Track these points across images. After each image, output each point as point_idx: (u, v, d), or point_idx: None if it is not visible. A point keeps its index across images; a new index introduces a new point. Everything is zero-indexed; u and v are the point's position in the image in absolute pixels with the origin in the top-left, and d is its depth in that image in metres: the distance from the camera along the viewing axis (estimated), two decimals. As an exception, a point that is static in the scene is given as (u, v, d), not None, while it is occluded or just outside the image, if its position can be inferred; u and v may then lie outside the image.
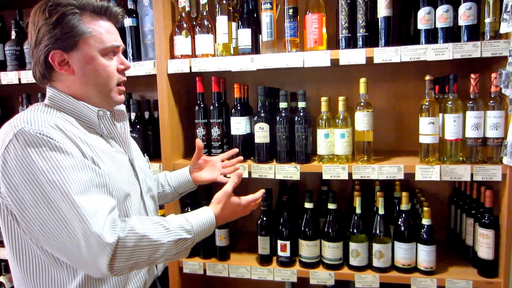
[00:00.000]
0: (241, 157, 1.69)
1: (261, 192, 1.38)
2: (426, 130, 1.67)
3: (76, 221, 0.96)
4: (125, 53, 2.00)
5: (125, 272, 1.03)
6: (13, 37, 2.20)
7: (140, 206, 1.25)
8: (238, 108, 1.89)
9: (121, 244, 0.99)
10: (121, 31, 1.77)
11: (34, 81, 1.97)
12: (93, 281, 1.10)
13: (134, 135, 2.07)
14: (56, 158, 0.98)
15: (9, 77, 2.12)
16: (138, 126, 2.11)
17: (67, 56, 1.09)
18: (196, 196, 2.00)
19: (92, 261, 0.97)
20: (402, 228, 1.73)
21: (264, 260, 1.92)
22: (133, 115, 2.14)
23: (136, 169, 1.28)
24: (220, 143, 1.93)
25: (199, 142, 1.56)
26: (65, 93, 1.12)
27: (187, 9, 1.96)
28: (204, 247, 1.99)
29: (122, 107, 1.31)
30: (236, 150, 1.70)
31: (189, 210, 1.93)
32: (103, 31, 1.13)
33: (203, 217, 1.19)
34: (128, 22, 2.00)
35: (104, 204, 1.02)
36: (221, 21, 1.86)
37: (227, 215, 1.27)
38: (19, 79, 2.11)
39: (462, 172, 1.64)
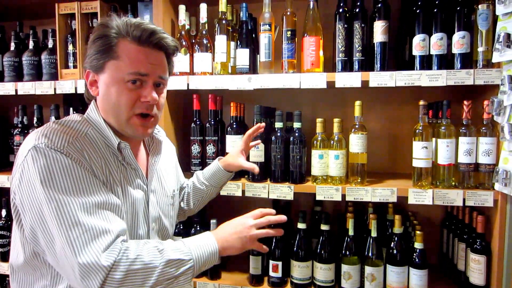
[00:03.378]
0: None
1: (271, 211, 1.25)
2: (420, 154, 1.69)
3: (79, 238, 0.96)
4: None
5: None
6: (12, 48, 2.21)
7: None
8: (234, 126, 1.90)
9: (115, 266, 0.97)
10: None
11: (30, 92, 1.97)
12: None
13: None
14: (68, 177, 0.99)
15: (6, 88, 2.12)
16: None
17: (97, 77, 1.12)
18: (204, 214, 2.02)
19: (85, 282, 0.96)
20: (395, 252, 1.73)
21: (256, 280, 1.90)
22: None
23: (150, 206, 1.24)
24: (215, 160, 1.93)
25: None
26: (101, 115, 1.14)
27: (187, 27, 2.00)
28: (195, 265, 1.96)
29: (163, 138, 1.34)
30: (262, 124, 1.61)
31: (198, 228, 1.96)
32: (133, 57, 1.08)
33: (201, 237, 1.13)
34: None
35: (113, 226, 1.02)
36: (220, 40, 1.88)
37: (229, 233, 1.15)
38: (16, 90, 2.11)
39: (454, 197, 1.66)
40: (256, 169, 1.53)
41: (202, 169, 1.95)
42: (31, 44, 2.17)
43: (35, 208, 0.99)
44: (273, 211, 1.27)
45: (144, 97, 1.10)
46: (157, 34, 1.10)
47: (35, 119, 2.17)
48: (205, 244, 1.10)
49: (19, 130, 2.23)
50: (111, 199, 1.05)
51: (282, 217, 1.25)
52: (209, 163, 1.91)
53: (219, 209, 2.25)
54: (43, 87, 2.04)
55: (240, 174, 1.93)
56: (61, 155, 0.99)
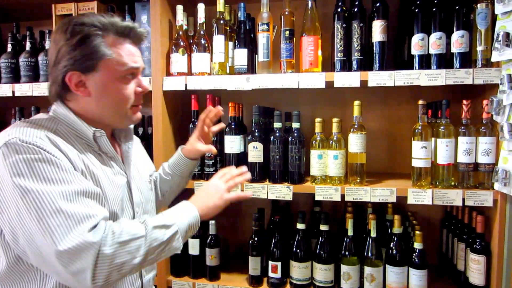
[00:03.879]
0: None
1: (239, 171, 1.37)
2: (419, 154, 1.68)
3: (61, 226, 0.92)
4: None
5: (113, 278, 0.97)
6: (9, 49, 2.20)
7: None
8: (233, 126, 1.89)
9: (103, 242, 0.95)
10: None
11: (28, 94, 1.96)
12: None
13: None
14: (45, 168, 0.96)
15: (3, 90, 2.11)
16: (131, 142, 2.10)
17: (85, 77, 1.08)
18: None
19: (76, 267, 0.92)
20: (394, 252, 1.73)
21: (255, 281, 1.89)
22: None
23: (133, 192, 1.25)
24: (213, 161, 1.92)
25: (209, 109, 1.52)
26: (69, 109, 1.12)
27: (185, 27, 1.99)
28: (194, 267, 1.96)
29: (130, 126, 1.32)
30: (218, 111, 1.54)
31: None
32: (124, 53, 1.11)
33: (178, 206, 1.17)
34: (125, 38, 2.02)
35: (96, 211, 0.99)
36: (218, 40, 1.87)
37: (204, 198, 1.23)
38: (13, 92, 2.09)
39: (454, 197, 1.65)
40: (213, 149, 1.54)
41: (200, 170, 1.95)
42: (28, 45, 2.16)
43: (11, 206, 0.95)
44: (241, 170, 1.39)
45: (142, 87, 1.18)
46: (136, 29, 1.15)
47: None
48: (184, 210, 1.15)
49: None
50: (92, 188, 1.03)
51: (243, 169, 1.39)
52: (207, 164, 1.92)
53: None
54: (40, 89, 2.02)
55: (239, 174, 1.92)
56: (35, 147, 0.97)
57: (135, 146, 1.40)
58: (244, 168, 1.39)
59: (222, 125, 1.60)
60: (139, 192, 1.29)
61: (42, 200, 0.93)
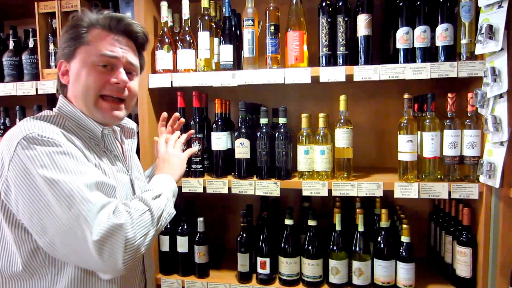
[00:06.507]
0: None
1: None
2: (405, 147, 1.69)
3: (91, 211, 0.94)
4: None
5: (138, 254, 1.00)
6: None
7: None
8: (219, 123, 1.88)
9: (125, 226, 0.97)
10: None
11: (12, 93, 1.94)
12: None
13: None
14: (66, 160, 0.98)
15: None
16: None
17: (68, 65, 1.12)
18: (194, 212, 2.03)
19: (108, 252, 0.94)
20: (382, 246, 1.73)
21: (244, 278, 1.89)
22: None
23: (136, 190, 1.28)
24: (200, 158, 1.91)
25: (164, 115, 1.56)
26: (74, 105, 1.13)
27: (170, 24, 1.97)
28: (183, 264, 1.95)
29: (133, 125, 1.36)
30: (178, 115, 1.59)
31: (185, 226, 1.95)
32: (103, 43, 1.10)
33: (155, 179, 1.24)
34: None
35: (111, 198, 1.04)
36: (203, 36, 1.86)
37: (172, 165, 1.34)
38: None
39: (440, 190, 1.65)
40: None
41: (187, 167, 1.92)
42: (11, 44, 2.13)
43: (39, 197, 0.94)
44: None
45: (117, 78, 1.12)
46: (124, 20, 1.14)
47: (17, 121, 2.14)
48: (162, 180, 1.23)
49: (1, 132, 2.20)
50: (107, 180, 1.06)
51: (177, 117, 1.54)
52: (195, 161, 1.91)
53: (206, 206, 2.25)
54: (25, 88, 2.00)
55: (226, 171, 1.91)
56: (55, 141, 0.99)
57: (135, 145, 1.42)
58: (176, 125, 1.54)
59: (191, 131, 1.64)
60: (140, 189, 1.31)
61: (70, 189, 0.94)
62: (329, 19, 1.76)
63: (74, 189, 0.94)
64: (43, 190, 0.94)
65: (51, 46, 2.02)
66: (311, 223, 1.80)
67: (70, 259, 1.01)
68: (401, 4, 1.71)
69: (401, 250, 1.72)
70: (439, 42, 1.67)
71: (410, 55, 1.70)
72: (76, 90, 1.12)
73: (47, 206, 0.94)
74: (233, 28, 1.91)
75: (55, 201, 0.93)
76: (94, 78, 1.10)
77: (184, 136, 1.52)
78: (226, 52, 1.86)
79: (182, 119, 1.56)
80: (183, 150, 1.49)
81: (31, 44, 2.08)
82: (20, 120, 2.12)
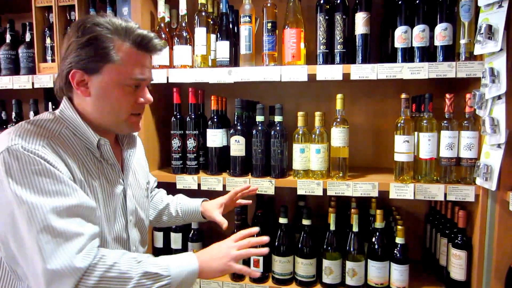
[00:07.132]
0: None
1: (253, 231, 1.27)
2: (401, 148, 1.67)
3: (50, 243, 0.93)
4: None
5: None
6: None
7: (121, 238, 1.21)
8: (215, 120, 1.87)
9: (89, 270, 0.95)
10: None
11: (8, 87, 1.93)
12: None
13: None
14: (43, 180, 0.97)
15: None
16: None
17: (88, 78, 1.08)
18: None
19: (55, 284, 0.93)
20: (376, 247, 1.71)
21: (237, 276, 1.88)
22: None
23: (127, 199, 1.25)
24: (195, 155, 1.90)
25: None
26: (76, 111, 1.12)
27: (167, 19, 1.96)
28: (176, 261, 1.94)
29: (135, 133, 1.33)
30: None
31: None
32: (132, 63, 1.08)
33: (183, 256, 1.12)
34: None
35: (86, 229, 1.00)
36: (200, 32, 1.84)
37: (211, 255, 1.15)
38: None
39: (436, 192, 1.64)
40: (225, 224, 1.48)
41: (182, 164, 1.92)
42: (8, 38, 2.13)
43: (7, 210, 0.96)
44: (255, 230, 1.28)
45: (142, 99, 1.14)
46: (152, 41, 1.11)
47: (13, 114, 2.13)
48: (185, 264, 1.08)
49: (-3, 126, 2.20)
50: (86, 202, 1.03)
51: (263, 239, 1.24)
52: (190, 158, 1.90)
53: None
54: (21, 82, 1.99)
55: (221, 168, 1.90)
56: (36, 157, 0.98)
57: (138, 152, 1.40)
58: (264, 238, 1.23)
59: (249, 201, 1.65)
60: (134, 199, 1.29)
61: (34, 214, 0.94)
62: (327, 17, 1.74)
63: (38, 215, 0.94)
64: (12, 206, 0.96)
65: (48, 40, 2.01)
66: (306, 222, 1.79)
67: (27, 274, 1.01)
68: (400, 2, 1.68)
69: (395, 252, 1.70)
70: (438, 42, 1.64)
71: (408, 55, 1.68)
72: (103, 105, 1.11)
73: (12, 221, 0.96)
74: (230, 25, 1.89)
75: (20, 220, 0.95)
76: (127, 99, 1.11)
77: (255, 251, 1.21)
78: (222, 49, 1.85)
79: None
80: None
81: (27, 38, 2.07)
82: (16, 114, 2.14)
